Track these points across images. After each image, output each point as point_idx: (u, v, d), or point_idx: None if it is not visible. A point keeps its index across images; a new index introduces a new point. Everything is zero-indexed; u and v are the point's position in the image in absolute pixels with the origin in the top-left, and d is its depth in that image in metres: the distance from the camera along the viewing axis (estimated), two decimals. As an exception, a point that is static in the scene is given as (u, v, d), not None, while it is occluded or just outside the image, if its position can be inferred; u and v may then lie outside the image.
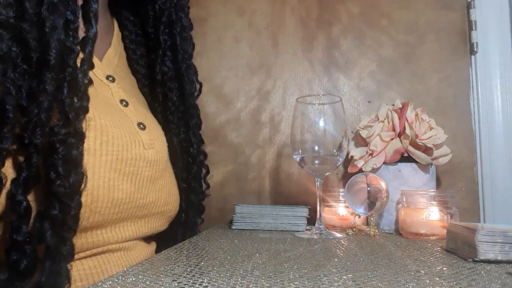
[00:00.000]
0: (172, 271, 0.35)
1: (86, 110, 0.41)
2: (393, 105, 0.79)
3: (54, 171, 0.37)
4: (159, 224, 0.57)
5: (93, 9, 0.44)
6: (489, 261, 0.42)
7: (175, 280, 0.31)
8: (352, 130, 0.85)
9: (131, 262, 0.51)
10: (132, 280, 0.32)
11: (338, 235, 0.63)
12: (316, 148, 0.64)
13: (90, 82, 0.42)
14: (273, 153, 0.94)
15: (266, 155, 0.94)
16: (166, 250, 0.47)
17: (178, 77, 0.68)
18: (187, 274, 0.34)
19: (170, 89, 0.67)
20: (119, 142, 0.48)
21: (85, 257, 0.45)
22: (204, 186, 0.75)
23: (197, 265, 0.38)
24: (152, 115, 0.65)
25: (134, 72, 0.68)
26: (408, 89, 0.93)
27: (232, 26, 0.98)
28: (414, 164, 0.73)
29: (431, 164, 0.74)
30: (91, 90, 0.44)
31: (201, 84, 0.77)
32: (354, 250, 0.49)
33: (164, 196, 0.56)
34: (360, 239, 0.60)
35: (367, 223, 0.71)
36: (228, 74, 0.97)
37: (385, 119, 0.77)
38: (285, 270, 0.36)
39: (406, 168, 0.73)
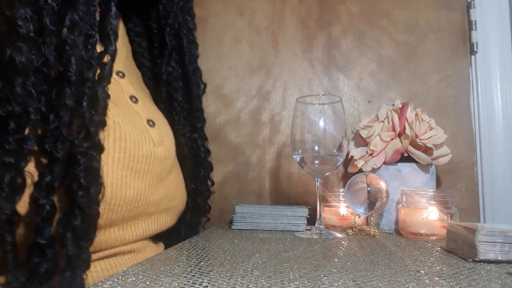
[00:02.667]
0: (172, 271, 0.35)
1: (104, 123, 0.42)
2: (393, 105, 0.79)
3: (76, 182, 0.38)
4: (168, 220, 0.58)
5: (113, 26, 0.44)
6: (489, 261, 0.42)
7: (175, 280, 0.31)
8: (352, 130, 0.85)
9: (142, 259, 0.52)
10: (132, 280, 0.32)
11: (338, 235, 0.63)
12: (316, 148, 0.64)
13: (108, 96, 0.43)
14: (273, 153, 0.94)
15: (266, 155, 0.94)
16: (166, 250, 0.47)
17: (184, 79, 0.68)
18: (187, 274, 0.34)
19: (175, 89, 0.67)
20: (131, 139, 0.48)
21: (97, 259, 0.46)
22: (209, 184, 0.75)
23: (197, 265, 0.38)
24: (159, 110, 0.65)
25: (140, 65, 0.68)
26: (408, 89, 0.93)
27: (232, 26, 0.98)
28: (414, 164, 0.73)
29: (431, 164, 0.74)
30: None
31: (205, 85, 0.76)
32: (354, 250, 0.49)
33: (171, 191, 0.57)
34: (360, 239, 0.60)
35: (367, 223, 0.71)
36: (228, 74, 0.97)
37: (385, 119, 0.77)
38: (285, 270, 0.36)
39: (406, 168, 0.73)
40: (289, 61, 0.97)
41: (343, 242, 0.57)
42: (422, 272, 0.36)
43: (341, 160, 0.65)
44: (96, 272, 0.45)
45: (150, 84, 0.68)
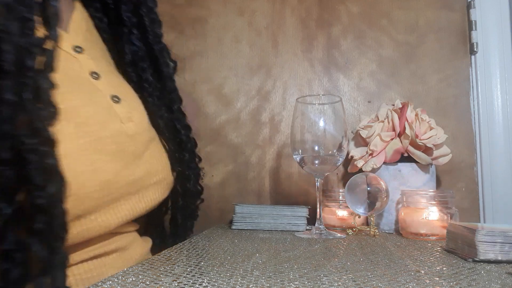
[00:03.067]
0: (172, 271, 0.35)
1: (54, 115, 0.39)
2: (393, 105, 0.79)
3: (30, 182, 0.36)
4: (157, 195, 0.55)
5: (54, 8, 0.41)
6: (489, 261, 0.42)
7: (175, 280, 0.31)
8: (352, 130, 0.85)
9: (127, 263, 0.50)
10: (132, 280, 0.32)
11: (338, 235, 0.63)
12: (316, 148, 0.64)
13: (53, 86, 0.40)
14: (273, 153, 0.94)
15: (266, 155, 0.94)
16: (166, 250, 0.47)
17: (152, 58, 0.63)
18: (187, 274, 0.34)
19: (143, 69, 0.62)
20: (94, 121, 0.45)
21: (81, 262, 0.45)
22: (196, 161, 0.69)
23: (197, 265, 0.38)
24: (127, 83, 0.60)
25: (104, 41, 0.62)
26: (408, 89, 0.93)
27: (232, 26, 0.98)
28: (414, 164, 0.73)
29: (431, 164, 0.74)
30: (58, 68, 0.41)
31: (175, 63, 0.69)
32: (354, 250, 0.49)
33: (154, 166, 0.53)
34: (360, 239, 0.60)
35: (367, 223, 0.71)
36: (228, 74, 0.97)
37: (385, 119, 0.77)
38: (285, 270, 0.36)
39: (406, 168, 0.73)
40: (289, 61, 0.97)
41: (343, 242, 0.57)
42: (422, 272, 0.36)
43: (341, 160, 0.65)
44: (79, 274, 0.44)
45: (116, 61, 0.63)
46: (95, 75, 0.51)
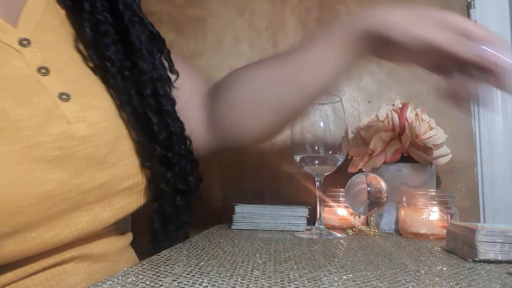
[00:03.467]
0: (172, 271, 0.35)
1: None
2: (393, 105, 0.79)
3: None
4: (131, 202, 0.47)
5: None
6: (489, 261, 0.42)
7: (175, 280, 0.31)
8: (352, 130, 0.85)
9: (95, 267, 0.46)
10: (132, 280, 0.32)
11: (338, 235, 0.63)
12: (316, 148, 0.64)
13: None
14: (273, 153, 0.94)
15: (266, 155, 0.94)
16: (166, 250, 0.47)
17: (121, 32, 0.52)
18: (187, 274, 0.34)
19: (106, 46, 0.50)
20: (27, 125, 0.39)
21: (34, 273, 0.41)
22: (175, 158, 0.54)
23: (197, 265, 0.38)
24: (94, 76, 0.50)
25: (71, 24, 0.52)
26: (408, 89, 0.93)
27: (232, 26, 0.98)
28: (414, 164, 0.73)
29: (431, 164, 0.74)
30: None
31: (163, 41, 0.56)
32: (354, 250, 0.49)
33: (125, 169, 0.46)
34: (360, 239, 0.60)
35: (367, 223, 0.71)
36: (228, 74, 0.97)
37: (385, 119, 0.77)
38: (285, 270, 0.36)
39: (406, 168, 0.73)
40: (289, 61, 0.97)
41: (343, 242, 0.57)
42: (422, 272, 0.36)
43: (341, 160, 0.65)
44: (34, 286, 0.40)
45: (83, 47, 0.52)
46: (43, 70, 0.44)
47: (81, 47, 0.50)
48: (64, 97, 0.44)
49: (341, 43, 0.51)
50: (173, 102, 0.53)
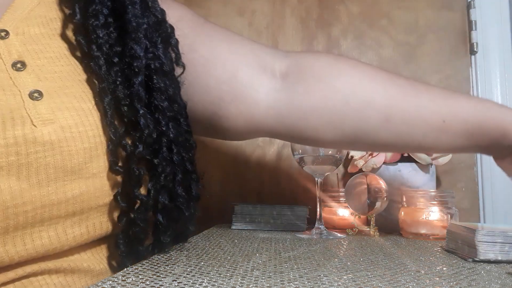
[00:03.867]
0: (172, 271, 0.35)
1: None
2: (393, 105, 0.79)
3: None
4: (104, 221, 0.40)
5: None
6: (489, 261, 0.42)
7: (175, 280, 0.31)
8: (352, 130, 0.84)
9: (70, 276, 0.40)
10: (132, 280, 0.32)
11: (338, 235, 0.63)
12: (316, 148, 0.64)
13: None
14: (273, 153, 0.94)
15: (266, 155, 0.94)
16: (166, 250, 0.47)
17: (114, 11, 0.45)
18: (187, 274, 0.34)
19: (93, 28, 0.43)
20: None
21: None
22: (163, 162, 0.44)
23: (197, 265, 0.38)
24: (84, 75, 0.43)
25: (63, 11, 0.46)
26: (408, 89, 0.93)
27: (232, 26, 0.98)
28: (414, 164, 0.73)
29: (431, 164, 0.74)
30: None
31: (171, 29, 0.48)
32: (354, 250, 0.49)
33: (103, 183, 0.39)
34: (360, 239, 0.60)
35: (367, 223, 0.71)
36: (228, 74, 0.97)
37: (385, 119, 0.77)
38: (285, 270, 0.36)
39: (406, 168, 0.73)
40: (289, 61, 0.97)
41: (343, 242, 0.57)
42: (422, 272, 0.36)
43: (341, 160, 0.65)
44: None
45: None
46: (19, 65, 0.40)
47: (70, 34, 0.45)
48: (35, 95, 0.39)
49: (477, 133, 0.47)
50: (172, 99, 0.45)
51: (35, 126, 0.36)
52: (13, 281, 0.36)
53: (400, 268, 0.38)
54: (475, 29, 0.91)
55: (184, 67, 0.48)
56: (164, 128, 0.43)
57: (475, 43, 0.91)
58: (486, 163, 0.89)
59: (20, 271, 0.36)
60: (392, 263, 0.41)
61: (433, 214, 0.62)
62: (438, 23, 0.93)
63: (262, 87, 0.49)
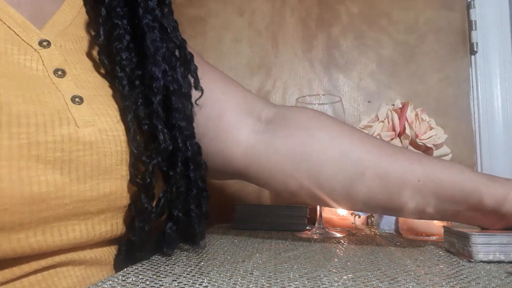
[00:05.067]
0: (172, 271, 0.35)
1: None
2: (393, 105, 0.79)
3: None
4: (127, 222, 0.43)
5: None
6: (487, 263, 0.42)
7: (175, 280, 0.31)
8: (352, 130, 0.84)
9: (89, 268, 0.43)
10: (132, 280, 0.32)
11: (338, 235, 0.63)
12: (316, 148, 0.64)
13: None
14: (273, 153, 0.94)
15: (266, 155, 0.94)
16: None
17: (136, 36, 0.49)
18: (187, 274, 0.34)
19: (118, 51, 0.48)
20: (30, 122, 0.37)
21: (25, 275, 0.39)
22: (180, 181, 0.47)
23: (197, 265, 0.38)
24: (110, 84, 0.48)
25: (91, 31, 0.51)
26: (408, 89, 0.93)
27: (232, 26, 0.98)
28: (414, 164, 0.73)
29: (431, 164, 0.74)
30: (6, 61, 0.38)
31: (190, 56, 0.53)
32: (354, 250, 0.49)
33: (130, 186, 0.43)
34: (360, 239, 0.60)
35: (367, 223, 0.71)
36: (228, 74, 0.97)
37: (385, 119, 0.77)
38: (285, 270, 0.36)
39: (406, 168, 0.73)
40: (289, 61, 0.97)
41: (343, 242, 0.57)
42: (422, 272, 0.36)
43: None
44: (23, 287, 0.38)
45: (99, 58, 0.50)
46: (60, 72, 0.44)
47: (95, 54, 0.49)
48: (77, 100, 0.43)
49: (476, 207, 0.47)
50: (189, 120, 0.48)
51: (78, 127, 0.40)
52: (44, 269, 0.39)
53: (400, 268, 0.38)
54: (475, 29, 0.91)
55: (202, 91, 0.52)
56: (180, 145, 0.46)
57: (475, 43, 0.91)
58: (486, 163, 0.89)
59: (50, 261, 0.39)
60: (392, 263, 0.41)
61: (433, 214, 0.62)
62: (438, 23, 0.93)
63: (245, 127, 0.53)
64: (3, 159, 0.35)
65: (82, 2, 0.51)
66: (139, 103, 0.46)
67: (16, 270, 0.38)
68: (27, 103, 0.38)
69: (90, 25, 0.51)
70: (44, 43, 0.44)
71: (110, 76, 0.48)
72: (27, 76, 0.41)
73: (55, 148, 0.38)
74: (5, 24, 0.42)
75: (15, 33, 0.42)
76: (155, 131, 0.45)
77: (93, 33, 0.50)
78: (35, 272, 0.39)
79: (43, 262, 0.39)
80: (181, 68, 0.51)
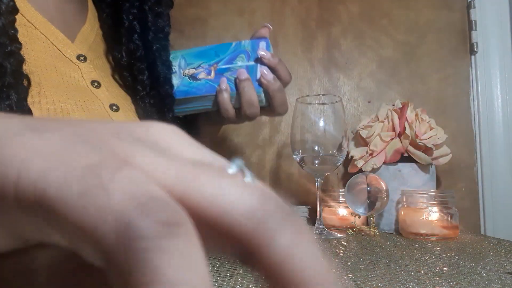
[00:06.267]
0: (172, 271, 0.35)
1: (19, 57, 0.40)
2: (393, 105, 0.79)
3: None
4: None
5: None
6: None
7: (175, 280, 0.31)
8: (352, 130, 0.85)
9: None
10: (132, 280, 0.32)
11: (338, 235, 0.63)
12: (316, 148, 0.64)
13: (15, 30, 0.40)
14: (273, 153, 0.94)
15: (266, 155, 0.94)
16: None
17: (149, 57, 0.58)
18: (187, 274, 0.34)
19: (139, 71, 0.57)
20: None
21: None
22: None
23: (197, 265, 0.38)
24: (130, 97, 0.58)
25: (112, 50, 0.60)
26: (408, 89, 0.93)
27: (232, 26, 0.98)
28: (414, 164, 0.73)
29: (431, 164, 0.74)
30: (56, 73, 0.43)
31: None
32: (354, 250, 0.49)
33: None
34: (360, 239, 0.60)
35: (367, 223, 0.71)
36: (228, 74, 0.97)
37: (385, 119, 0.77)
38: (285, 270, 0.36)
39: (406, 168, 0.73)
40: (289, 61, 0.96)
41: (343, 242, 0.57)
42: (422, 272, 0.36)
43: (341, 160, 0.65)
44: None
45: (114, 65, 0.60)
46: (96, 84, 0.51)
47: (118, 69, 0.58)
48: (114, 107, 0.50)
49: None
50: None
51: None
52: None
53: (400, 268, 0.38)
54: (475, 29, 0.91)
55: None
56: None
57: (475, 43, 0.91)
58: (486, 163, 0.89)
59: None
60: (392, 263, 0.41)
61: (433, 214, 0.62)
62: (438, 23, 0.93)
63: None
64: None
65: (98, 25, 0.59)
66: (155, 118, 0.55)
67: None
68: (80, 111, 0.45)
69: (110, 43, 0.59)
70: (81, 58, 0.52)
71: (131, 90, 0.57)
72: (72, 86, 0.48)
73: None
74: (49, 40, 0.48)
75: (57, 48, 0.49)
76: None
77: (115, 52, 0.58)
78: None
79: None
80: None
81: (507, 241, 0.56)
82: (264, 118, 0.95)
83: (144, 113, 0.56)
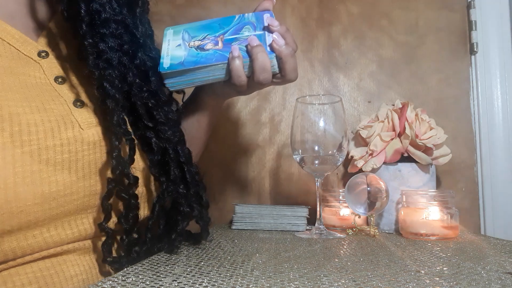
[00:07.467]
0: (172, 271, 0.35)
1: None
2: (393, 105, 0.79)
3: None
4: (140, 211, 0.47)
5: None
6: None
7: (175, 280, 0.31)
8: (352, 130, 0.85)
9: (96, 258, 0.46)
10: (132, 280, 0.32)
11: (338, 235, 0.63)
12: (316, 148, 0.64)
13: None
14: (273, 153, 0.94)
15: (266, 155, 0.94)
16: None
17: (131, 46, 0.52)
18: (187, 274, 0.34)
19: (107, 76, 0.48)
20: (39, 129, 0.41)
21: (34, 261, 0.41)
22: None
23: (197, 265, 0.38)
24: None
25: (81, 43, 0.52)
26: (408, 89, 0.93)
27: (232, 26, 0.98)
28: (414, 164, 0.73)
29: (431, 164, 0.74)
30: (11, 75, 0.42)
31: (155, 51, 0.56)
32: (354, 250, 0.49)
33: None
34: (360, 239, 0.60)
35: (367, 223, 0.71)
36: (228, 74, 0.97)
37: (385, 119, 0.77)
38: (285, 270, 0.36)
39: (406, 168, 0.73)
40: (289, 61, 0.97)
41: (343, 242, 0.57)
42: (422, 272, 0.36)
43: (341, 160, 0.65)
44: (32, 272, 0.41)
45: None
46: (60, 79, 0.48)
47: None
48: (78, 104, 0.47)
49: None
50: (175, 125, 0.54)
51: (82, 129, 0.45)
52: (52, 256, 0.42)
53: (400, 268, 0.38)
54: (475, 29, 0.91)
55: (183, 91, 0.64)
56: (171, 152, 0.50)
57: (475, 43, 0.91)
58: (486, 163, 0.89)
59: (58, 249, 0.42)
60: (392, 263, 0.41)
61: (433, 214, 0.62)
62: (438, 23, 0.93)
63: None
64: (18, 165, 0.38)
65: (68, 24, 0.51)
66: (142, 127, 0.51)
67: (27, 256, 0.40)
68: (34, 112, 0.42)
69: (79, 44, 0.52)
70: (43, 54, 0.49)
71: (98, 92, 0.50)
72: (30, 86, 0.45)
73: (62, 150, 0.42)
74: (5, 41, 0.46)
75: (15, 48, 0.46)
76: (148, 140, 0.50)
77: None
78: (43, 258, 0.42)
79: (51, 250, 0.42)
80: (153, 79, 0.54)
81: (507, 241, 0.56)
82: (264, 118, 0.95)
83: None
